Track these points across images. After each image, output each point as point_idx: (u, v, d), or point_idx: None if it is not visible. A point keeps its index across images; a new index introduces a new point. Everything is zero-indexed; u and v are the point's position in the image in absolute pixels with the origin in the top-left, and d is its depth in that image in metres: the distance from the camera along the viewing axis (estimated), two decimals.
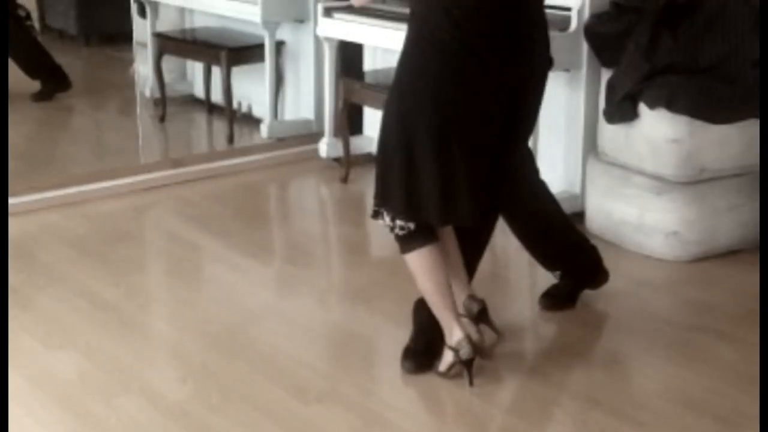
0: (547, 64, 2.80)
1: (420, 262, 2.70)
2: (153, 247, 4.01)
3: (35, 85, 5.66)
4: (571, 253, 3.17)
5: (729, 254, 3.61)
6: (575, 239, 3.19)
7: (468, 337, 2.71)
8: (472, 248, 2.91)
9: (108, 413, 2.65)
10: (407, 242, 2.71)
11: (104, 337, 3.06)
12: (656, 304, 3.32)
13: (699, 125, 3.50)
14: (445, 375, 2.77)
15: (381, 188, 2.70)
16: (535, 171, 3.09)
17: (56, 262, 3.61)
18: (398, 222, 2.69)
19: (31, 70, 5.59)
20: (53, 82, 5.65)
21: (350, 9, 4.36)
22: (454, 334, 2.72)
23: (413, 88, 2.63)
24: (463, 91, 2.62)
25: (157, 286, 3.58)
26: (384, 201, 2.69)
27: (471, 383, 2.74)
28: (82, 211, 4.12)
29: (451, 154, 2.62)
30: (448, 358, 2.76)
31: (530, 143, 3.67)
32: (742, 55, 3.55)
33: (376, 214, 2.74)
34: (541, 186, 3.12)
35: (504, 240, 3.19)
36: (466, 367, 2.73)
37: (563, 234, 3.16)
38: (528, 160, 3.06)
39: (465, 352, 2.71)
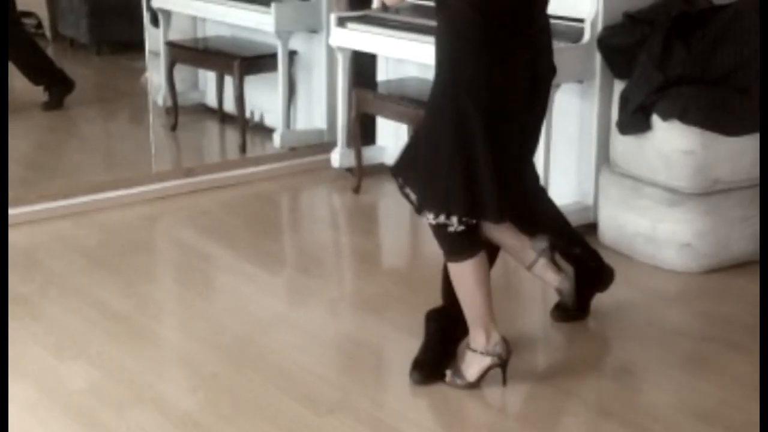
0: (553, 71, 2.82)
1: (473, 270, 2.71)
2: (164, 257, 4.02)
3: (44, 95, 5.68)
4: (574, 263, 3.16)
5: (742, 266, 3.60)
6: (578, 248, 3.18)
7: (504, 338, 2.76)
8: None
9: (119, 423, 2.65)
10: (462, 251, 2.71)
11: (115, 347, 3.06)
12: (669, 315, 3.31)
13: (712, 137, 3.49)
14: (475, 384, 2.78)
15: (442, 190, 2.67)
16: (536, 178, 3.09)
17: (67, 272, 3.62)
18: (461, 221, 2.68)
19: (33, 76, 5.59)
20: (58, 86, 5.65)
21: (363, 19, 4.38)
22: (492, 337, 2.75)
23: (468, 87, 2.62)
24: (508, 88, 2.65)
25: (168, 296, 3.58)
26: (448, 203, 2.67)
27: (505, 383, 2.79)
28: (93, 220, 4.13)
29: (504, 150, 2.66)
30: (481, 363, 2.77)
31: (542, 154, 3.71)
32: (755, 66, 3.54)
33: (437, 216, 2.69)
34: (542, 193, 3.13)
35: None
36: (502, 367, 2.77)
37: (566, 244, 3.15)
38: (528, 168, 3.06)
39: (505, 351, 2.76)
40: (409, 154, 2.83)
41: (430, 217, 2.70)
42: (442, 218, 2.68)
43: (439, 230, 2.71)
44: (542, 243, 2.85)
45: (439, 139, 2.66)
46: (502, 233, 2.81)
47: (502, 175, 2.65)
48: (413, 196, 2.77)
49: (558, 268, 2.87)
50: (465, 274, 2.72)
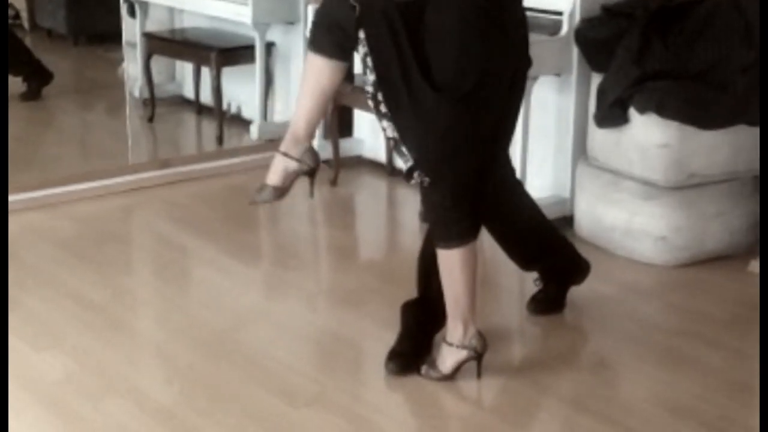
0: (529, 63, 2.84)
1: (462, 258, 2.71)
2: (140, 249, 4.00)
3: (22, 85, 5.63)
4: (548, 254, 3.18)
5: (717, 260, 3.62)
6: (552, 239, 3.19)
7: (480, 332, 2.77)
8: None
9: (94, 415, 2.64)
10: (453, 237, 2.70)
11: (91, 339, 3.05)
12: (644, 309, 3.32)
13: (688, 131, 3.51)
14: (450, 377, 2.78)
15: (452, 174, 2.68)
16: (512, 172, 3.10)
17: (43, 263, 3.59)
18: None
19: (11, 67, 5.55)
20: (36, 77, 5.62)
21: None
22: (470, 330, 2.75)
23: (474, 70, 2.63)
24: (491, 77, 2.65)
25: (144, 288, 3.57)
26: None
27: (479, 376, 2.79)
28: (69, 212, 4.10)
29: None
30: (456, 357, 2.77)
31: (519, 147, 3.72)
32: (732, 61, 3.56)
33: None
34: (518, 187, 3.14)
35: (494, 244, 3.19)
36: (478, 361, 2.78)
37: (540, 235, 3.17)
38: (505, 160, 3.07)
39: (481, 345, 2.77)
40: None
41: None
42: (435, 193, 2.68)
43: (435, 211, 2.71)
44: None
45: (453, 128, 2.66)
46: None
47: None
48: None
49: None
50: (454, 262, 2.72)
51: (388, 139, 2.72)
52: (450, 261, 2.73)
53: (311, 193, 2.83)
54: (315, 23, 2.71)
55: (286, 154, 2.76)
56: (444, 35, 2.62)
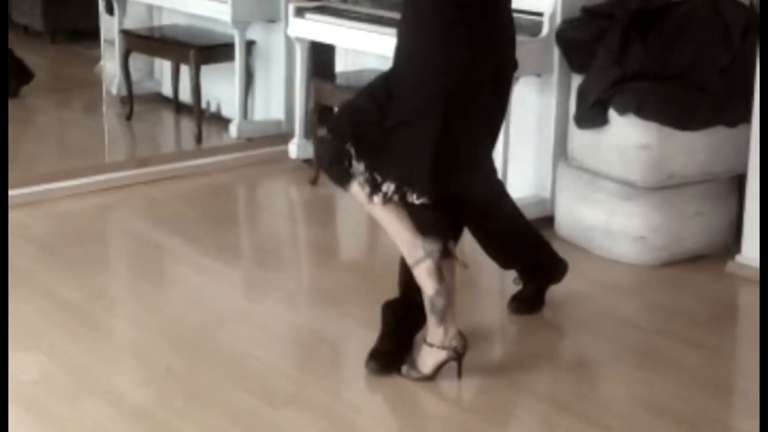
0: (515, 66, 2.85)
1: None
2: (118, 248, 3.97)
3: None
4: (527, 253, 3.20)
5: (695, 259, 3.64)
6: (531, 239, 3.21)
7: (460, 332, 2.76)
8: None
9: (71, 415, 2.62)
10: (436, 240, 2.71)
11: (68, 339, 3.02)
12: (623, 308, 3.33)
13: (667, 132, 3.52)
14: (430, 377, 2.77)
15: (406, 169, 2.69)
16: (493, 171, 3.10)
17: (20, 262, 3.55)
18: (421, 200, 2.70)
19: None
20: (16, 76, 5.57)
21: (322, 9, 4.35)
22: (450, 330, 2.74)
23: (436, 69, 2.67)
24: (469, 78, 2.68)
25: (121, 288, 3.54)
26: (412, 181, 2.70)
27: (460, 376, 2.78)
28: (45, 211, 4.06)
29: (456, 139, 2.70)
30: (436, 357, 2.76)
31: (500, 147, 3.72)
32: (711, 62, 3.58)
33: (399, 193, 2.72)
34: (499, 186, 3.15)
35: (474, 244, 3.19)
36: (458, 361, 2.77)
37: (520, 234, 3.18)
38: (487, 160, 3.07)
39: (461, 346, 2.75)
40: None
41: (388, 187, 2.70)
42: (387, 187, 2.70)
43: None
44: (434, 245, 2.72)
45: (420, 126, 2.70)
46: (395, 220, 2.75)
47: (443, 159, 2.68)
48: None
49: (441, 277, 2.72)
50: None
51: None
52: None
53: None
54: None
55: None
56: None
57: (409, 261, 2.75)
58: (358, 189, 2.72)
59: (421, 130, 2.69)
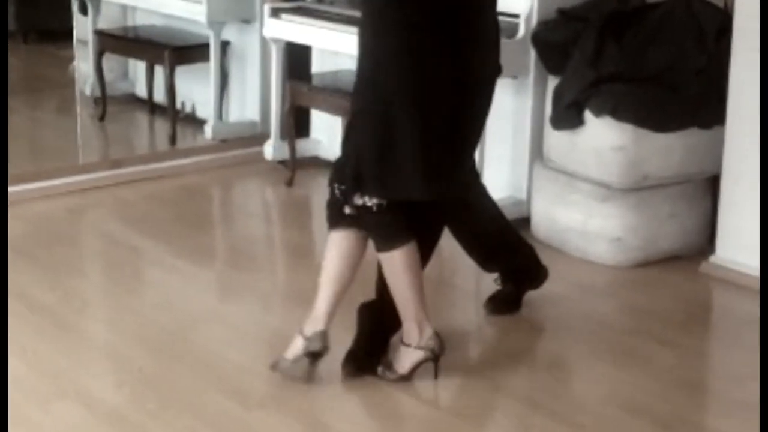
0: (498, 69, 2.84)
1: (402, 259, 2.70)
2: (91, 250, 3.93)
3: None
4: (509, 255, 3.20)
5: (670, 260, 3.65)
6: (513, 241, 3.21)
7: (437, 333, 2.75)
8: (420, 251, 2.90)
9: (44, 418, 2.59)
10: (390, 239, 2.70)
11: (40, 341, 2.99)
12: (599, 309, 3.34)
13: (643, 133, 3.53)
14: (407, 378, 2.76)
15: (354, 170, 2.68)
16: (476, 174, 3.10)
17: None
18: (374, 201, 2.68)
19: None
20: None
21: (298, 10, 4.34)
22: (426, 331, 2.74)
23: (397, 67, 2.65)
24: (436, 82, 2.66)
25: (94, 290, 3.51)
26: (359, 181, 2.68)
27: (436, 376, 2.78)
28: (17, 212, 4.01)
29: (436, 140, 2.69)
30: (413, 357, 2.76)
31: (477, 148, 3.71)
32: (686, 64, 3.60)
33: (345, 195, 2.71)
34: (481, 188, 3.14)
35: (451, 244, 3.19)
36: (435, 361, 2.76)
37: (502, 236, 3.18)
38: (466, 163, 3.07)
39: (438, 346, 2.75)
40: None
41: (357, 199, 2.69)
42: (358, 199, 2.68)
43: (366, 217, 2.70)
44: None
45: (362, 126, 2.69)
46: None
47: (429, 162, 2.67)
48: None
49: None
50: (395, 264, 2.72)
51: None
52: (391, 263, 2.72)
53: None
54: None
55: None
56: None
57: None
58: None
59: (362, 130, 2.70)
